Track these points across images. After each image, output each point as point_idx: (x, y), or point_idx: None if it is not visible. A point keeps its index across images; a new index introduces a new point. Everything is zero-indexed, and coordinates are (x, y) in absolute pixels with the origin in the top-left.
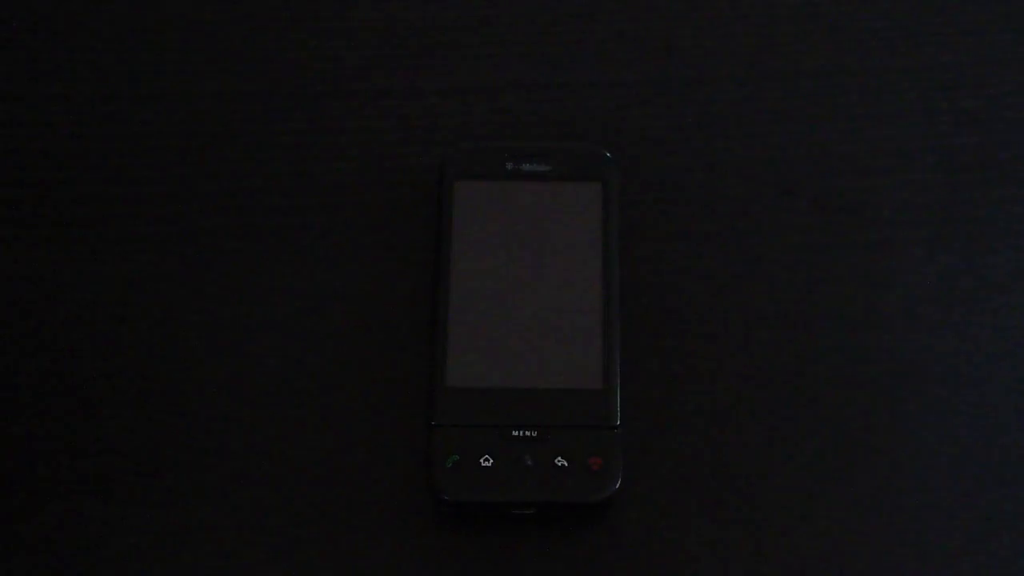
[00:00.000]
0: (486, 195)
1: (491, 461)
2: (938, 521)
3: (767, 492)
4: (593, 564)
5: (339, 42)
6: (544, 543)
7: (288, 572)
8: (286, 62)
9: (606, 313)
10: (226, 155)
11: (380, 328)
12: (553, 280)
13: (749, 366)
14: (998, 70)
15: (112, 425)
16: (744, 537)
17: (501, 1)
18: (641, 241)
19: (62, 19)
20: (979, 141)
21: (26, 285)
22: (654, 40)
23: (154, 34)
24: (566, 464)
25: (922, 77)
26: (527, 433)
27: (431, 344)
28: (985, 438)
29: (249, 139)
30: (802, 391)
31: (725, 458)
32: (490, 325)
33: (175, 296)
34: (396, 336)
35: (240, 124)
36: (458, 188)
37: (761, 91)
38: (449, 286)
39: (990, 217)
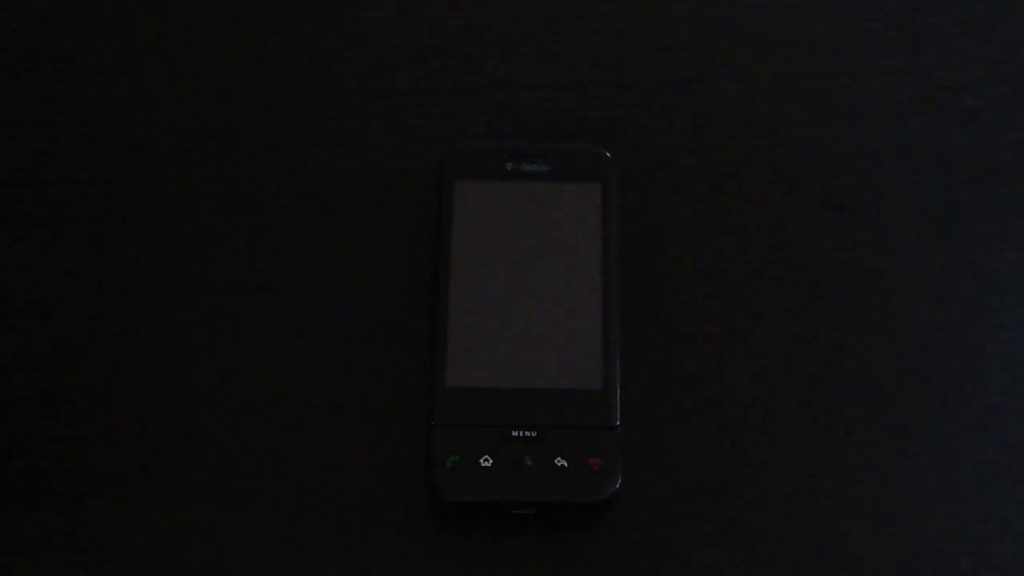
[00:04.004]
0: (486, 195)
1: (491, 461)
2: (938, 521)
3: (767, 492)
4: (593, 564)
5: (339, 42)
6: (544, 543)
7: (288, 572)
8: (286, 62)
9: (606, 313)
10: (226, 155)
11: (380, 328)
12: (553, 280)
13: (749, 366)
14: (998, 70)
15: (112, 425)
16: (744, 537)
17: (501, 1)
18: (641, 241)
19: (62, 19)
20: (979, 141)
21: (26, 285)
22: (654, 40)
23: (154, 34)
24: (566, 464)
25: (922, 77)
26: (527, 433)
27: (431, 344)
28: (985, 438)
29: (249, 139)
30: (802, 391)
31: (725, 458)
32: (490, 325)
33: (175, 296)
34: (396, 336)
35: (240, 124)
36: (458, 188)
37: (761, 91)
38: (449, 286)
39: (990, 217)
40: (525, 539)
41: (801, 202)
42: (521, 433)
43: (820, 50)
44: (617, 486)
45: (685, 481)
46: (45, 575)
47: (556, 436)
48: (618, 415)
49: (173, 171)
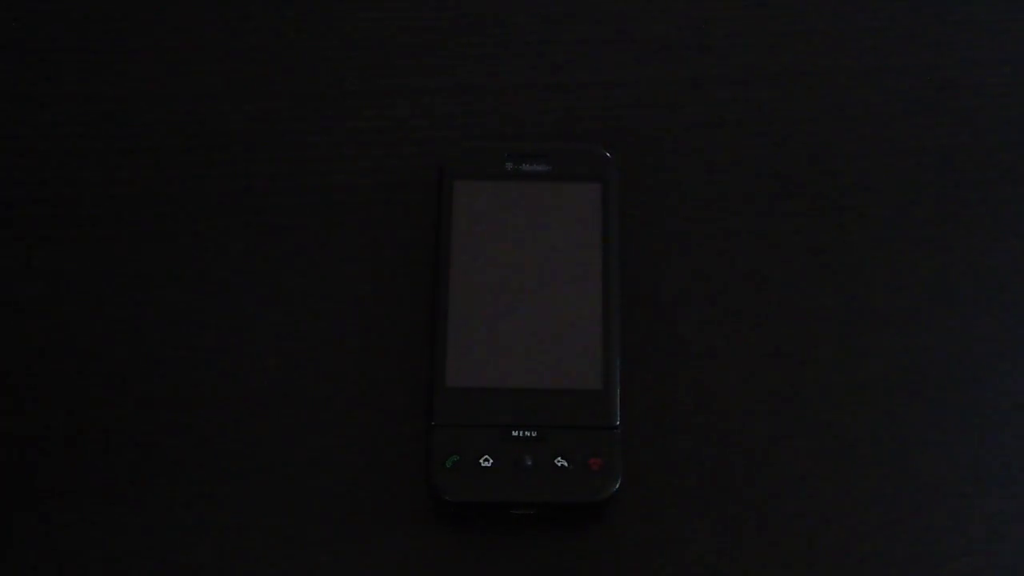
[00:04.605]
0: (486, 195)
1: (491, 461)
2: (938, 521)
3: (767, 492)
4: (593, 564)
5: (339, 42)
6: (544, 543)
7: (288, 572)
8: (285, 63)
9: (606, 313)
10: (226, 155)
11: (380, 328)
12: (553, 280)
13: (749, 366)
14: (998, 70)
15: (113, 425)
16: (744, 537)
17: (501, 1)
18: (641, 241)
19: (63, 19)
20: (979, 141)
21: (26, 285)
22: (655, 40)
23: (154, 34)
24: (566, 464)
25: (922, 77)
26: (527, 433)
27: (431, 344)
28: (985, 438)
29: (249, 139)
30: (802, 391)
31: (725, 458)
32: (490, 325)
33: (175, 296)
34: (396, 336)
35: (240, 124)
36: (458, 188)
37: (761, 91)
38: (449, 286)
39: (990, 217)
40: (525, 539)
41: (801, 202)
42: (521, 433)
43: (820, 50)
44: (617, 486)
45: (685, 481)
46: (45, 575)
47: (556, 436)
48: (618, 415)
49: (173, 171)
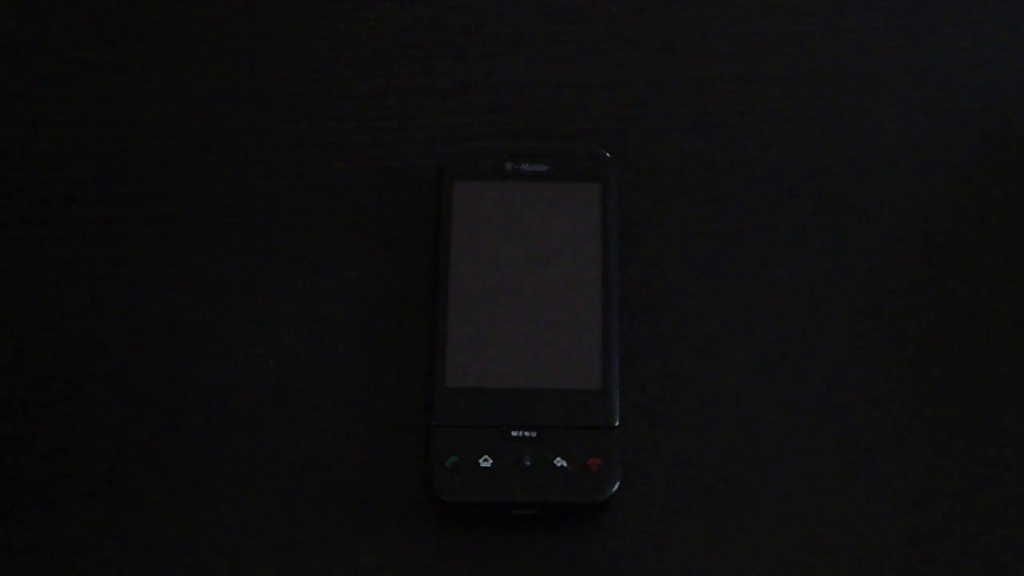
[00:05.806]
0: (486, 195)
1: (490, 461)
2: (938, 520)
3: (767, 492)
4: (593, 564)
5: (339, 42)
6: (544, 543)
7: (288, 572)
8: (285, 62)
9: (606, 313)
10: (226, 155)
11: (380, 328)
12: (553, 280)
13: (749, 366)
14: (997, 70)
15: (112, 425)
16: (744, 537)
17: (501, 1)
18: (641, 241)
19: (63, 19)
20: (979, 141)
21: (26, 285)
22: (654, 40)
23: (154, 34)
24: (565, 464)
25: (922, 77)
26: (526, 433)
27: (431, 344)
28: (985, 438)
29: (249, 139)
30: (801, 391)
31: (725, 458)
32: (490, 325)
33: (175, 296)
34: (396, 336)
35: (240, 124)
36: (458, 188)
37: (761, 91)
38: (449, 286)
39: (990, 217)
40: (525, 539)
41: (801, 202)
42: (521, 433)
43: (820, 50)
44: (617, 486)
45: (685, 481)
46: (45, 575)
47: (556, 436)
48: (618, 415)
49: (173, 171)
